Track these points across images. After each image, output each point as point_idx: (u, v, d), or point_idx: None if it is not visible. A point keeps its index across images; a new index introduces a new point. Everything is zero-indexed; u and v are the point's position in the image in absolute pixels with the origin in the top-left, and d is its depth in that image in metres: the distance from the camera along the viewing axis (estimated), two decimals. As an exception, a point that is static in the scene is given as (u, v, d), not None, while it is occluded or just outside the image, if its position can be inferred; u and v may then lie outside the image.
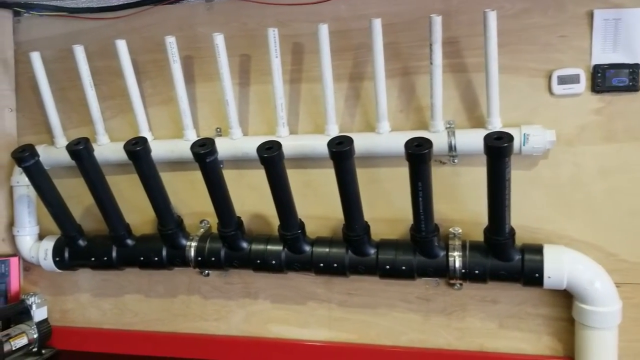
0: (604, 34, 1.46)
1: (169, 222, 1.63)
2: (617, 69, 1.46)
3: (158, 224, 1.64)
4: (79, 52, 1.69)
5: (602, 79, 1.46)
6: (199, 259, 1.65)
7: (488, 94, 1.45)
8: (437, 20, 1.41)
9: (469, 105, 1.55)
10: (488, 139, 1.25)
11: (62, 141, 1.80)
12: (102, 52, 1.81)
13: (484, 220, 1.42)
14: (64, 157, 1.61)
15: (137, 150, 1.49)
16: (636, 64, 1.45)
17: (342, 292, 1.70)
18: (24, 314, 1.78)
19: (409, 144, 1.31)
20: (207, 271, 1.78)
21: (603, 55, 1.47)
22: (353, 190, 1.42)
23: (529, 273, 1.42)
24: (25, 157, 1.58)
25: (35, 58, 1.74)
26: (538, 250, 1.44)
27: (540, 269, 1.41)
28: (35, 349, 1.78)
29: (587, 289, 1.41)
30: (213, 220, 1.68)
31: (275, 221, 1.57)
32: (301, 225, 1.57)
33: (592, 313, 1.42)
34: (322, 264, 1.57)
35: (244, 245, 1.63)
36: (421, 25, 1.53)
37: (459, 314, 1.61)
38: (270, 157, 1.40)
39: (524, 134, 1.44)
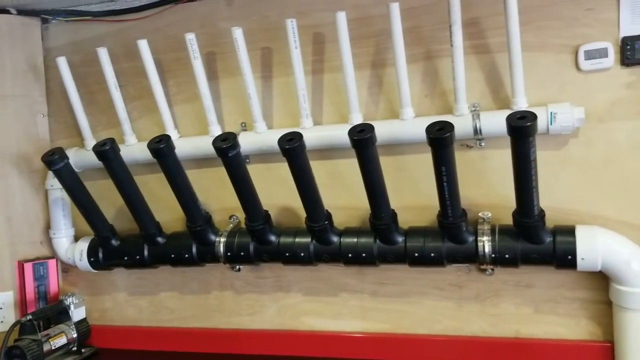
0: (632, 5, 1.41)
1: (197, 219, 1.64)
2: (648, 40, 1.40)
3: (187, 220, 1.66)
4: (103, 54, 1.71)
5: (632, 52, 1.40)
6: (229, 254, 1.66)
7: (512, 74, 1.41)
8: (456, 1, 1.38)
9: (494, 86, 1.52)
10: (510, 119, 1.22)
11: (92, 143, 1.82)
12: (127, 53, 1.83)
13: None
14: (95, 159, 1.64)
15: (161, 147, 1.50)
16: (668, 34, 1.39)
17: (374, 282, 1.69)
18: (63, 314, 1.81)
19: (430, 128, 1.29)
20: (238, 266, 1.78)
21: (632, 26, 1.41)
22: (377, 178, 1.41)
23: (561, 255, 1.38)
24: (54, 160, 1.61)
25: (62, 63, 1.77)
26: (570, 231, 1.39)
27: (572, 251, 1.37)
28: (74, 348, 1.81)
29: (623, 269, 1.36)
30: (242, 216, 1.67)
31: (304, 214, 1.56)
32: (328, 217, 1.56)
33: (630, 294, 1.37)
34: (350, 255, 1.56)
35: (273, 238, 1.63)
36: (442, 7, 1.50)
37: (493, 300, 1.58)
38: (292, 148, 1.39)
39: (551, 113, 1.39)
